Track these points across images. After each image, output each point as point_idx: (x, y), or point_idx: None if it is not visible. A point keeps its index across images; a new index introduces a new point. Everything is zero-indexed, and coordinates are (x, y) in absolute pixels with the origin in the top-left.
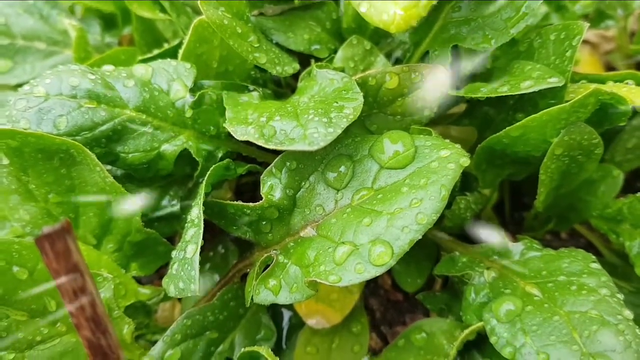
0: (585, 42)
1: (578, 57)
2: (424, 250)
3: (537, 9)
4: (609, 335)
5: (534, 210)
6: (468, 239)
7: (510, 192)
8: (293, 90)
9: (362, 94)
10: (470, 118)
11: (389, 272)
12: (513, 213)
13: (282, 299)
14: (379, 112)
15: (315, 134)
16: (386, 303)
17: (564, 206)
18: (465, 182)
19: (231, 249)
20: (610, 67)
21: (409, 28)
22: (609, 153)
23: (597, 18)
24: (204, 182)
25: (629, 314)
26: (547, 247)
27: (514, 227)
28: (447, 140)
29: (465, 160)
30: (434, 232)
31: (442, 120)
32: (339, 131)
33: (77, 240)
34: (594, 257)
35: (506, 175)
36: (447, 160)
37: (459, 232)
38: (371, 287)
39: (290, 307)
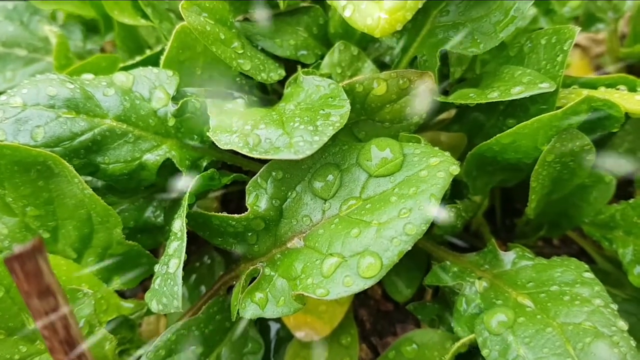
0: (575, 45)
1: (569, 61)
2: (415, 260)
3: (526, 12)
4: (603, 348)
5: (525, 217)
6: (459, 248)
7: (502, 198)
8: (280, 96)
9: (349, 100)
10: (460, 124)
11: (379, 282)
12: (504, 220)
13: (269, 312)
14: (367, 119)
15: (301, 143)
16: (376, 313)
17: (555, 213)
18: (456, 189)
19: (217, 260)
20: (600, 70)
21: (395, 32)
22: (600, 158)
23: (587, 21)
24: (187, 193)
25: (623, 324)
26: (539, 255)
27: (506, 234)
28: (437, 148)
29: (455, 169)
30: (424, 241)
31: (431, 126)
32: (325, 139)
33: (49, 259)
34: (586, 266)
35: (497, 182)
36: (437, 168)
37: (450, 240)
38: (361, 297)
39: (278, 319)
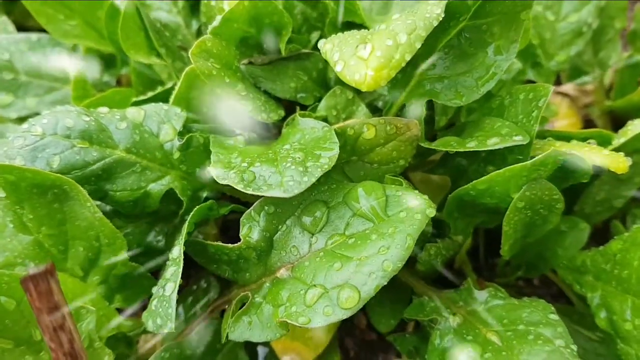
0: (564, 95)
1: (556, 110)
2: (399, 293)
3: (508, 67)
4: None
5: (504, 258)
6: (440, 284)
7: (486, 238)
8: (280, 133)
9: (339, 143)
10: (445, 168)
11: (365, 312)
12: (488, 259)
13: (256, 336)
14: (358, 160)
15: (290, 182)
16: (360, 343)
17: (532, 255)
18: (438, 229)
19: (213, 285)
20: (588, 120)
21: (379, 87)
22: (579, 205)
23: (573, 74)
24: (187, 223)
25: None
26: (520, 294)
27: (488, 273)
28: (417, 191)
29: (432, 211)
30: (407, 276)
31: (422, 166)
32: (313, 180)
33: (59, 280)
34: (552, 308)
35: (478, 223)
36: (415, 210)
37: (431, 276)
38: (347, 326)
39: (266, 343)
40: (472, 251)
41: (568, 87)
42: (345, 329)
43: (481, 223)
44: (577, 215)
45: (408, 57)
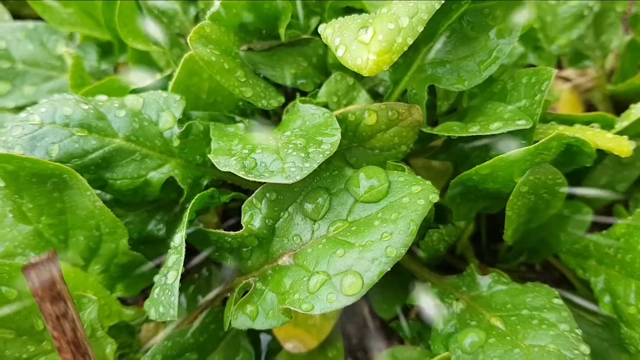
0: (565, 80)
1: (558, 95)
2: (401, 280)
3: (510, 51)
4: None
5: (506, 243)
6: (442, 270)
7: (488, 224)
8: (280, 119)
9: (340, 129)
10: (447, 153)
11: (367, 299)
12: (490, 244)
13: (259, 324)
14: (359, 146)
15: (292, 168)
16: (363, 329)
17: (535, 240)
18: (440, 215)
19: (214, 273)
20: (590, 105)
21: (381, 72)
22: (580, 190)
23: (574, 58)
24: (188, 211)
25: (585, 348)
26: (523, 279)
27: (490, 258)
28: (419, 177)
29: (435, 197)
30: (409, 262)
31: (424, 152)
32: (315, 166)
33: (61, 269)
34: (557, 292)
35: (480, 209)
36: (418, 196)
37: (434, 262)
38: (349, 313)
39: (269, 331)
40: (474, 237)
41: (569, 72)
42: (347, 316)
43: (483, 208)
44: (580, 199)
45: (410, 41)
